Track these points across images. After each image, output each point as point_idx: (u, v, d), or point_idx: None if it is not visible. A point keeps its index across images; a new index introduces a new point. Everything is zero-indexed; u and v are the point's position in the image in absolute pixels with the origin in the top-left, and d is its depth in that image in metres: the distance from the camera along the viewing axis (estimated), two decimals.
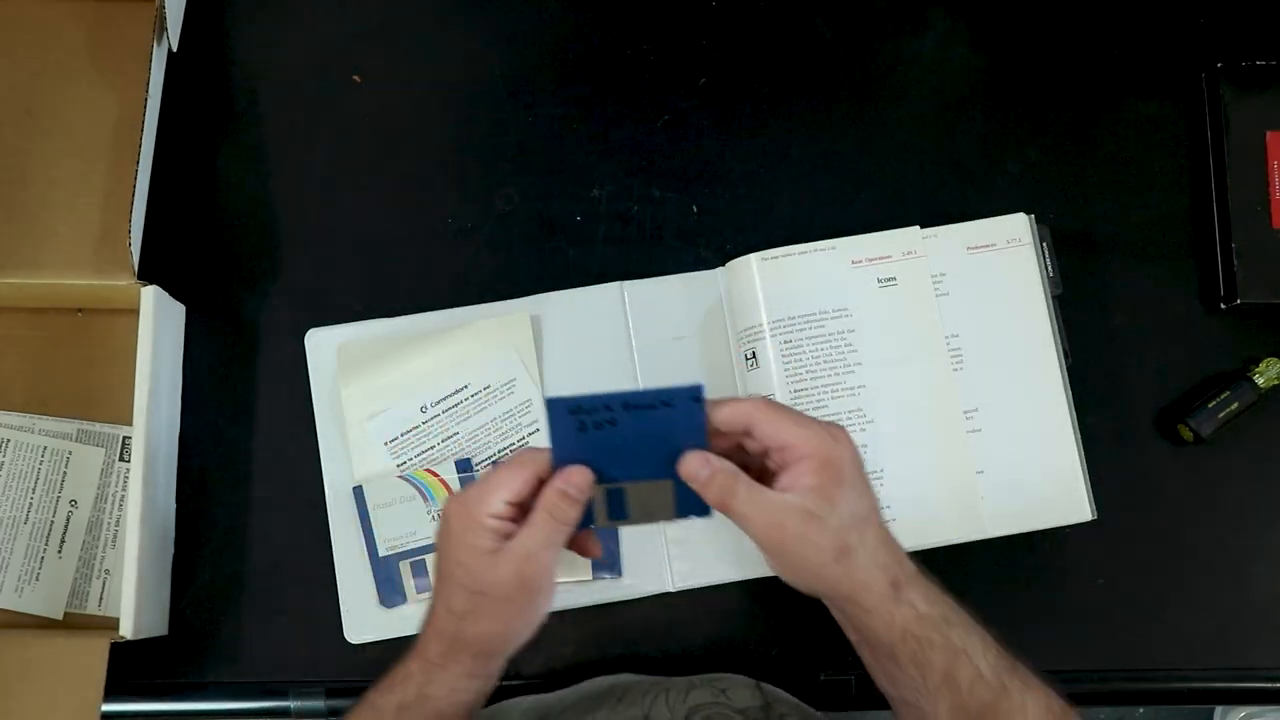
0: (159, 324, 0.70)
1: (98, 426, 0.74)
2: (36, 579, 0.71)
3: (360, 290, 0.76)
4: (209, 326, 0.76)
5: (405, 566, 0.71)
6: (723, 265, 0.75)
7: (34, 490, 0.73)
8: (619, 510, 0.55)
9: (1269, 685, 0.74)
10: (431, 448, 0.72)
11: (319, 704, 0.71)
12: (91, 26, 0.77)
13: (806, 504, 0.52)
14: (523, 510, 0.53)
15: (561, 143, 0.80)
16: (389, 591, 0.71)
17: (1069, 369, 0.73)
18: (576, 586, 0.71)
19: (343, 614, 0.71)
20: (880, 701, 0.59)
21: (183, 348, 0.75)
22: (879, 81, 0.82)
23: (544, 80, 0.81)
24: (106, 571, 0.72)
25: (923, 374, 0.72)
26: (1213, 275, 0.78)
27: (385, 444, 0.72)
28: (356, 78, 0.81)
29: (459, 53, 0.82)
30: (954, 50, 0.82)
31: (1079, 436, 0.72)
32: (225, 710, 0.72)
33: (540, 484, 0.53)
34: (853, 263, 0.73)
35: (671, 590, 0.72)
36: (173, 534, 0.73)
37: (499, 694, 0.62)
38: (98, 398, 0.74)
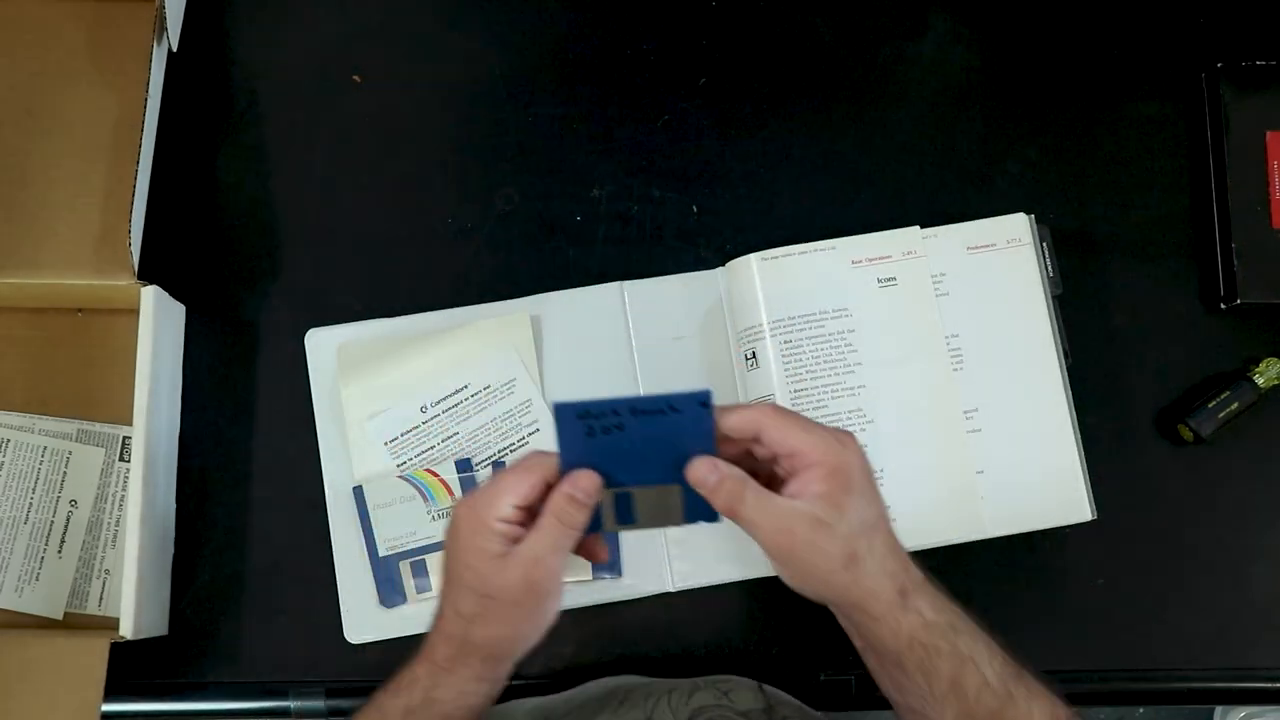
0: (159, 324, 0.70)
1: (98, 426, 0.74)
2: (36, 579, 0.71)
3: (360, 290, 0.76)
4: (209, 326, 0.76)
5: (405, 566, 0.71)
6: (723, 265, 0.75)
7: (34, 490, 0.73)
8: (627, 515, 0.55)
9: (1269, 685, 0.74)
10: (431, 448, 0.72)
11: (319, 704, 0.71)
12: (91, 26, 0.77)
13: (815, 511, 0.52)
14: (531, 514, 0.53)
15: (561, 143, 0.80)
16: (389, 591, 0.71)
17: (1069, 369, 0.73)
18: (577, 586, 0.71)
19: (343, 614, 0.71)
20: (880, 702, 0.59)
21: (183, 348, 0.75)
22: (879, 81, 0.82)
23: (544, 80, 0.81)
24: (106, 571, 0.72)
25: (923, 374, 0.72)
26: (1213, 275, 0.78)
27: (385, 444, 0.72)
28: (356, 78, 0.81)
29: (459, 53, 0.82)
30: (954, 50, 0.82)
31: (1079, 436, 0.72)
32: (225, 710, 0.72)
33: (548, 488, 0.53)
34: (853, 263, 0.73)
35: (671, 590, 0.72)
36: (173, 534, 0.73)
37: (500, 695, 0.62)
38: (98, 398, 0.74)
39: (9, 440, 0.73)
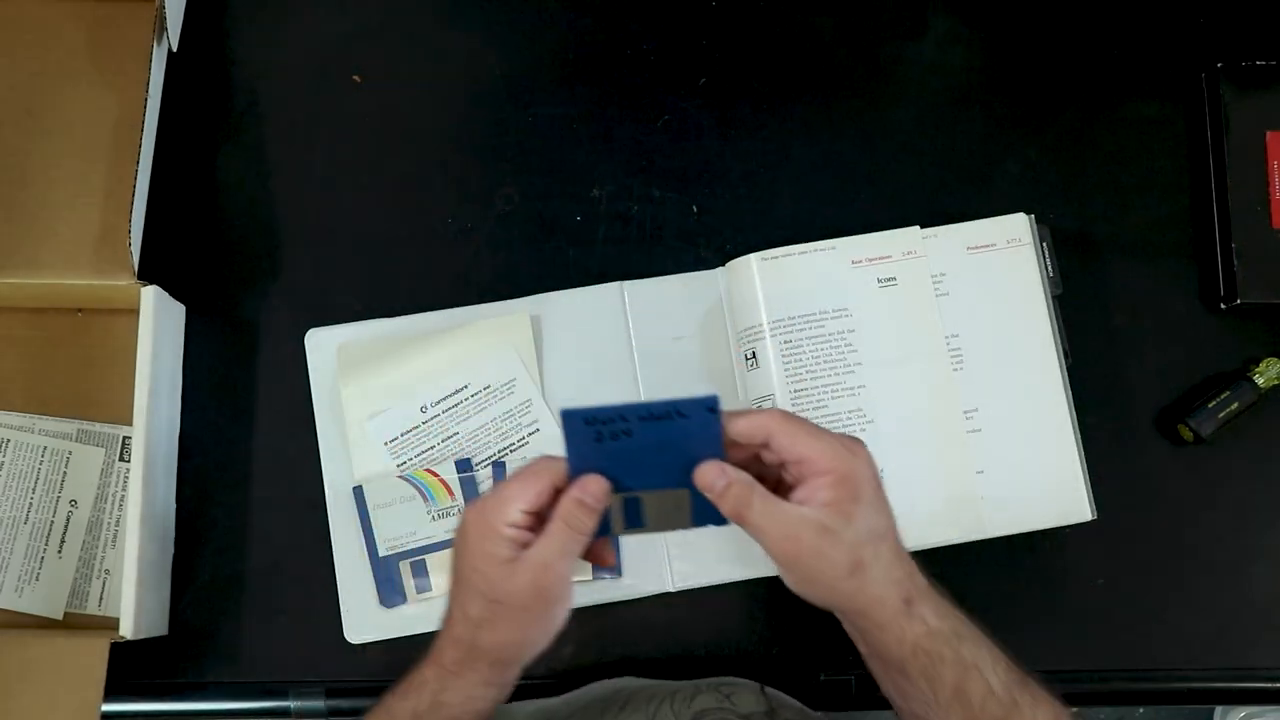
0: (159, 324, 0.70)
1: (98, 426, 0.74)
2: (36, 579, 0.71)
3: (360, 290, 0.76)
4: (209, 326, 0.76)
5: (405, 566, 0.71)
6: (723, 265, 0.75)
7: (34, 490, 0.73)
8: (635, 519, 0.55)
9: (1269, 685, 0.74)
10: (431, 448, 0.72)
11: (319, 704, 0.71)
12: (91, 26, 0.77)
13: (822, 519, 0.52)
14: (539, 520, 0.53)
15: (561, 143, 0.80)
16: (389, 591, 0.71)
17: (1069, 369, 0.73)
18: (577, 587, 0.70)
19: (343, 614, 0.71)
20: (880, 702, 0.59)
21: (183, 348, 0.75)
22: (879, 81, 0.82)
23: (544, 80, 0.81)
24: (106, 571, 0.72)
25: (923, 374, 0.72)
26: (1213, 275, 0.78)
27: (385, 444, 0.72)
28: (356, 78, 0.81)
29: (459, 53, 0.82)
30: (954, 50, 0.82)
31: (1079, 436, 0.72)
32: (225, 710, 0.72)
33: (557, 494, 0.53)
34: (853, 263, 0.73)
35: (671, 590, 0.72)
36: (173, 534, 0.73)
37: None
38: (98, 398, 0.74)
39: (9, 440, 0.73)
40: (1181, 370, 0.77)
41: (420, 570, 0.71)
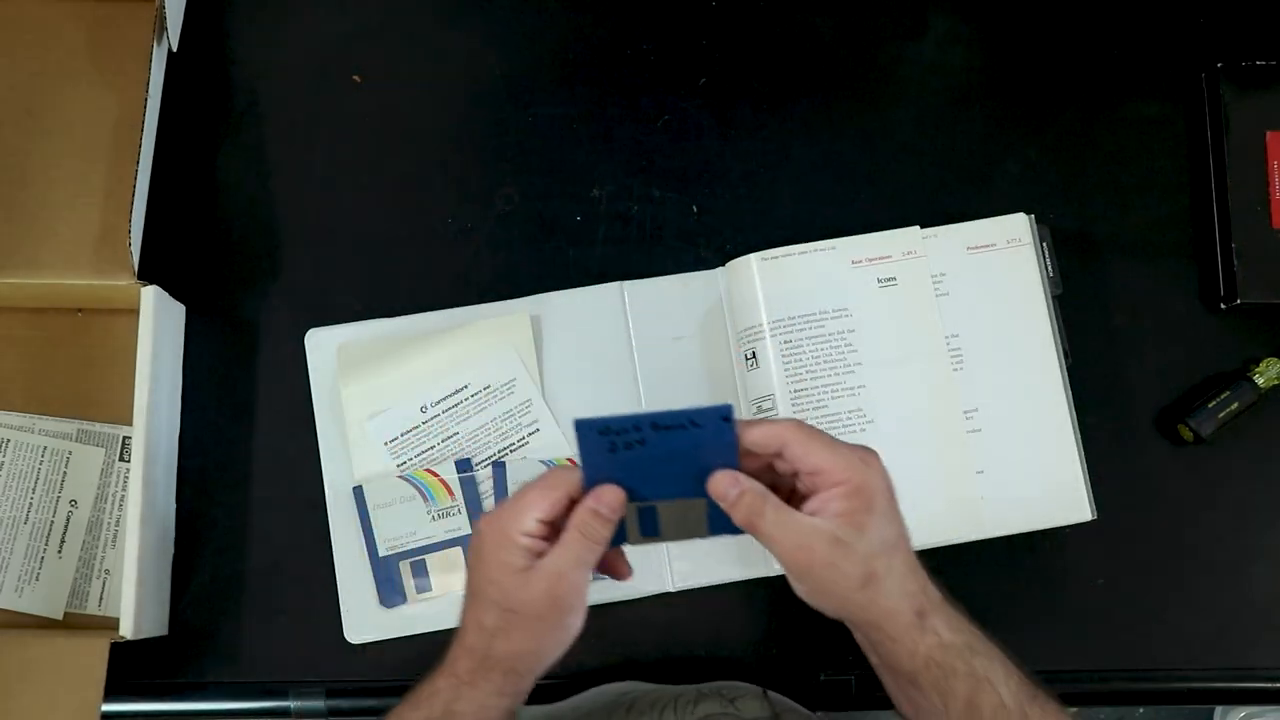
0: (159, 324, 0.70)
1: (98, 426, 0.74)
2: (36, 579, 0.71)
3: (360, 290, 0.76)
4: (209, 326, 0.76)
5: (405, 566, 0.71)
6: (723, 265, 0.75)
7: (34, 490, 0.73)
8: (651, 528, 0.55)
9: (1269, 685, 0.74)
10: (431, 448, 0.72)
11: (319, 704, 0.71)
12: (91, 26, 0.77)
13: (835, 530, 0.52)
14: (555, 530, 0.53)
15: (561, 143, 0.80)
16: (389, 591, 0.71)
17: (1069, 369, 0.73)
18: None
19: (343, 614, 0.71)
20: (880, 702, 0.59)
21: (183, 348, 0.75)
22: (879, 81, 0.82)
23: (544, 80, 0.81)
24: (106, 571, 0.72)
25: (923, 374, 0.72)
26: (1213, 275, 0.78)
27: (385, 444, 0.72)
28: (356, 78, 0.81)
29: (459, 53, 0.82)
30: (954, 50, 0.82)
31: (1079, 436, 0.72)
32: (225, 710, 0.72)
33: (572, 503, 0.53)
34: (853, 263, 0.73)
35: (671, 590, 0.72)
36: (173, 534, 0.73)
37: None
38: (98, 398, 0.74)
39: (9, 440, 0.73)
40: (1181, 370, 0.77)
41: (420, 570, 0.71)
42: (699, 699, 0.63)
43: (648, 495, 0.54)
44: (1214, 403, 0.74)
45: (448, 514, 0.72)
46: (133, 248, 0.70)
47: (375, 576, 0.71)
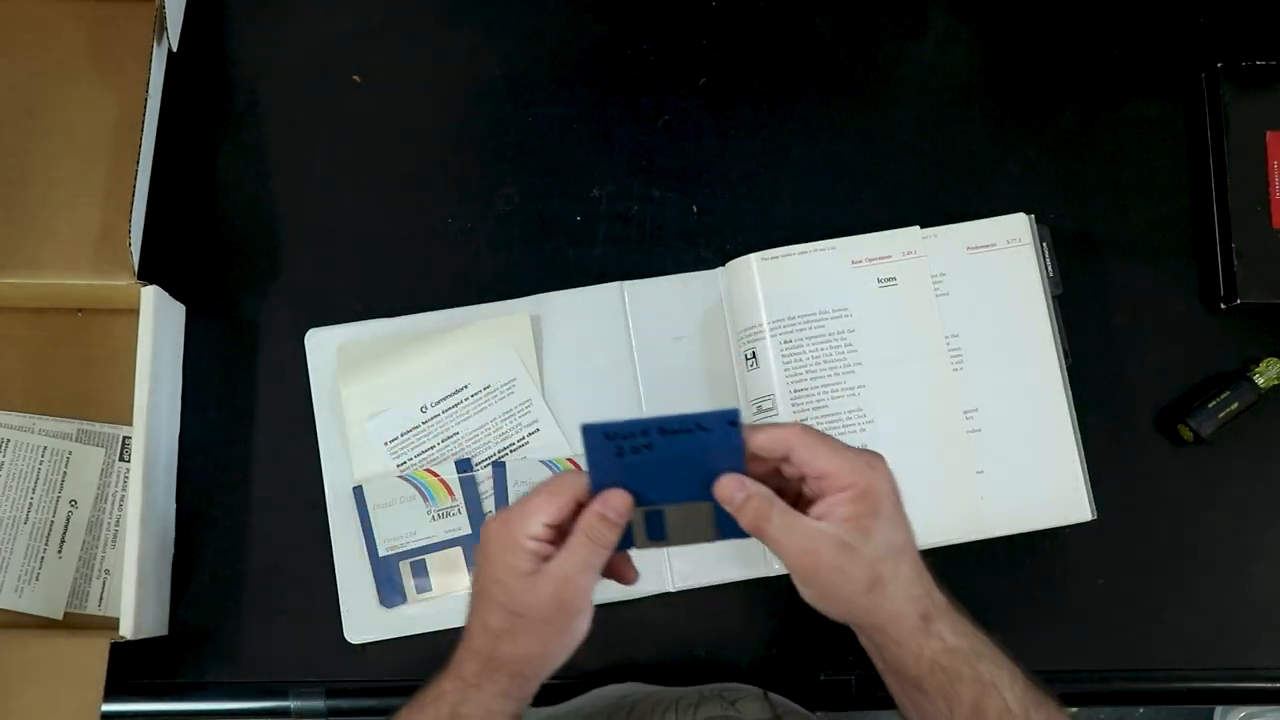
0: (159, 324, 0.70)
1: (98, 426, 0.74)
2: (36, 579, 0.71)
3: (360, 290, 0.76)
4: (209, 326, 0.76)
5: (405, 566, 0.71)
6: (723, 265, 0.75)
7: (34, 490, 0.73)
8: (658, 532, 0.55)
9: (1269, 685, 0.74)
10: (431, 448, 0.72)
11: (319, 704, 0.71)
12: (91, 26, 0.77)
13: (841, 534, 0.52)
14: (561, 534, 0.53)
15: (561, 143, 0.80)
16: (389, 591, 0.71)
17: (1069, 369, 0.73)
18: None
19: (343, 614, 0.71)
20: (880, 701, 0.59)
21: (183, 348, 0.75)
22: (879, 81, 0.82)
23: (544, 80, 0.81)
24: (106, 571, 0.72)
25: (923, 374, 0.72)
26: (1213, 275, 0.78)
27: (385, 444, 0.72)
28: (356, 78, 0.81)
29: (459, 53, 0.82)
30: (954, 50, 0.82)
31: (1079, 436, 0.72)
32: (225, 710, 0.72)
33: (579, 507, 0.53)
34: (853, 263, 0.73)
35: (671, 590, 0.72)
36: (173, 534, 0.73)
37: None
38: (98, 398, 0.74)
39: (9, 440, 0.73)
40: (1181, 370, 0.77)
41: (420, 570, 0.71)
42: (700, 701, 0.63)
43: (654, 499, 0.54)
44: (1214, 403, 0.74)
45: (448, 514, 0.72)
46: (133, 248, 0.70)
47: (375, 576, 0.71)
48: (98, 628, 0.70)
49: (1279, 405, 0.76)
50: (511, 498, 0.72)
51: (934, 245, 0.73)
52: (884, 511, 0.52)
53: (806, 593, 0.54)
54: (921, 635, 0.52)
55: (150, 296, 0.70)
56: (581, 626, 0.54)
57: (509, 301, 0.75)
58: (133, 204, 0.70)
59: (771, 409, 0.71)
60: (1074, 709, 0.59)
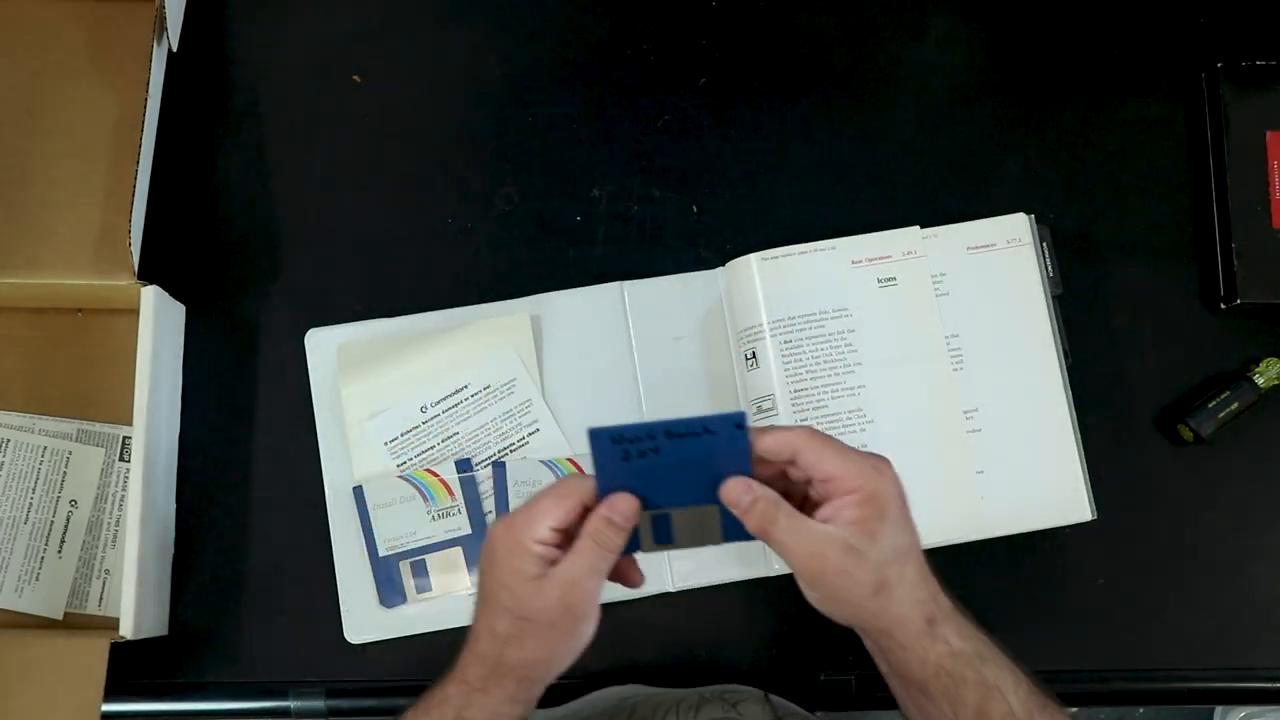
0: (159, 324, 0.70)
1: (98, 426, 0.74)
2: (36, 579, 0.71)
3: (360, 290, 0.76)
4: (209, 326, 0.76)
5: (405, 566, 0.71)
6: (723, 265, 0.75)
7: (34, 490, 0.73)
8: (664, 535, 0.55)
9: (1269, 685, 0.74)
10: (431, 448, 0.72)
11: (319, 704, 0.71)
12: (91, 26, 0.77)
13: (848, 537, 0.52)
14: (568, 538, 0.53)
15: (561, 143, 0.80)
16: (389, 591, 0.71)
17: (1069, 369, 0.73)
18: None
19: (343, 614, 0.71)
20: (880, 702, 0.59)
21: (183, 348, 0.75)
22: (879, 81, 0.82)
23: (544, 80, 0.81)
24: (106, 571, 0.72)
25: (923, 374, 0.72)
26: (1213, 275, 0.78)
27: (385, 444, 0.72)
28: (356, 78, 0.81)
29: (459, 53, 0.82)
30: (954, 50, 0.82)
31: (1079, 436, 0.72)
32: (225, 710, 0.72)
33: (586, 511, 0.53)
34: (853, 263, 0.73)
35: (671, 590, 0.72)
36: (173, 534, 0.73)
37: None
38: (98, 398, 0.74)
39: (9, 440, 0.73)
40: (1181, 370, 0.77)
41: (420, 570, 0.71)
42: (701, 703, 0.63)
43: (661, 503, 0.54)
44: (1214, 403, 0.74)
45: (448, 514, 0.72)
46: (133, 248, 0.70)
47: (375, 576, 0.71)
48: (98, 628, 0.70)
49: (1279, 405, 0.76)
50: (511, 497, 0.72)
51: (934, 245, 0.73)
52: (890, 515, 0.52)
53: (812, 596, 0.54)
54: (927, 639, 0.52)
55: (150, 296, 0.70)
56: (588, 630, 0.54)
57: (509, 301, 0.75)
58: (133, 204, 0.70)
59: (771, 409, 0.71)
60: (1074, 709, 0.59)
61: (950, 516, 0.70)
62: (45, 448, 0.73)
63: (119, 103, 0.75)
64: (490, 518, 0.72)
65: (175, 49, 0.78)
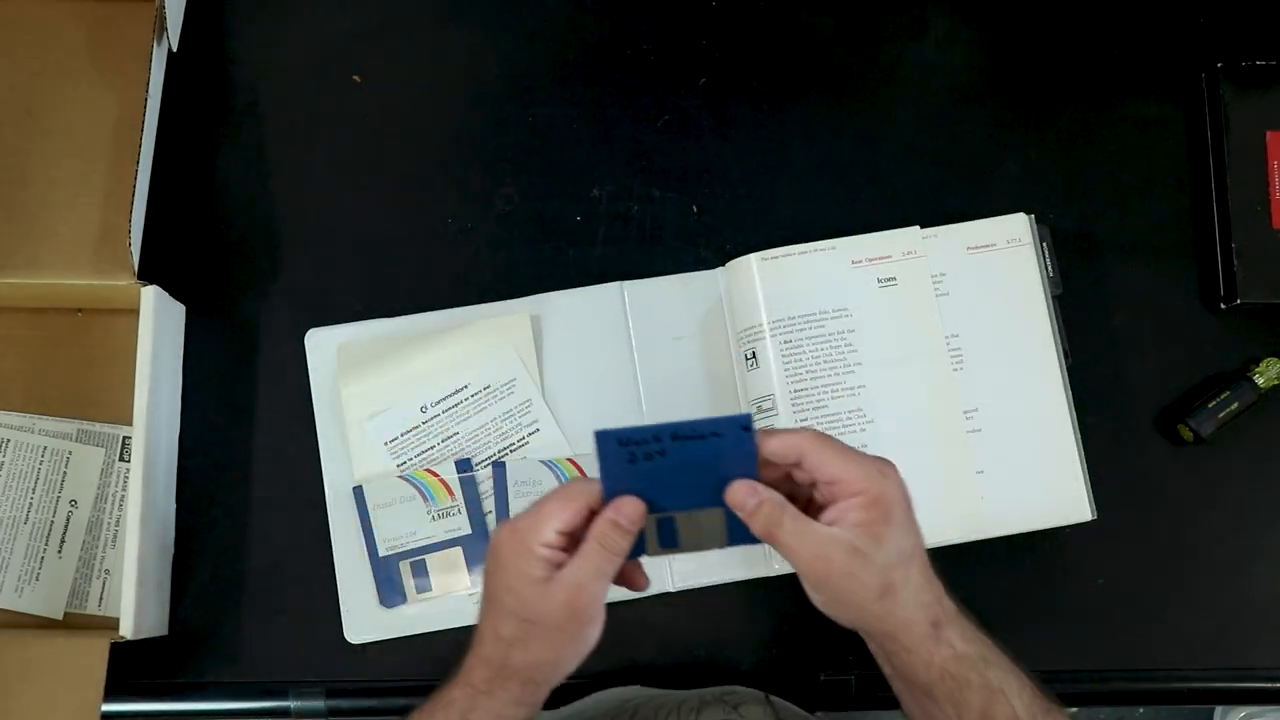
0: (159, 324, 0.70)
1: (98, 426, 0.74)
2: (36, 579, 0.71)
3: (360, 290, 0.76)
4: (209, 326, 0.76)
5: (405, 566, 0.71)
6: (723, 265, 0.75)
7: (34, 490, 0.73)
8: (670, 539, 0.55)
9: (1269, 685, 0.74)
10: (431, 448, 0.72)
11: (319, 704, 0.71)
12: (91, 26, 0.77)
13: (853, 540, 0.52)
14: (574, 541, 0.53)
15: (561, 143, 0.80)
16: (389, 591, 0.71)
17: (1069, 369, 0.73)
18: None
19: (343, 614, 0.71)
20: (880, 701, 0.59)
21: (183, 348, 0.75)
22: (879, 81, 0.82)
23: (544, 80, 0.81)
24: (106, 571, 0.72)
25: (923, 374, 0.72)
26: (1213, 275, 0.78)
27: (385, 444, 0.72)
28: (356, 78, 0.81)
29: (459, 53, 0.82)
30: (954, 50, 0.82)
31: (1079, 436, 0.72)
32: (225, 710, 0.72)
33: (591, 514, 0.53)
34: (853, 263, 0.73)
35: (671, 590, 0.72)
36: (173, 534, 0.73)
37: None
38: (98, 398, 0.74)
39: (9, 440, 0.73)
40: (1181, 370, 0.77)
41: (420, 570, 0.71)
42: (702, 706, 0.63)
43: (666, 506, 0.54)
44: (1214, 403, 0.74)
45: (448, 514, 0.72)
46: (133, 248, 0.70)
47: (375, 576, 0.71)
48: (98, 628, 0.70)
49: (1279, 405, 0.76)
50: (511, 497, 0.72)
51: (934, 245, 0.73)
52: (895, 518, 0.52)
53: (817, 599, 0.54)
54: (932, 642, 0.52)
55: (150, 296, 0.70)
56: (594, 633, 0.54)
57: (509, 301, 0.75)
58: (133, 204, 0.70)
59: (771, 409, 0.71)
60: (1074, 709, 0.59)
61: (950, 516, 0.70)
62: (45, 448, 0.73)
63: (119, 103, 0.75)
64: (490, 518, 0.72)
65: (175, 49, 0.78)
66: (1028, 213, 0.74)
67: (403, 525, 0.71)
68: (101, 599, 0.71)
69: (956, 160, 0.80)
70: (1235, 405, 0.74)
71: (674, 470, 0.52)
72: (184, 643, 0.71)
